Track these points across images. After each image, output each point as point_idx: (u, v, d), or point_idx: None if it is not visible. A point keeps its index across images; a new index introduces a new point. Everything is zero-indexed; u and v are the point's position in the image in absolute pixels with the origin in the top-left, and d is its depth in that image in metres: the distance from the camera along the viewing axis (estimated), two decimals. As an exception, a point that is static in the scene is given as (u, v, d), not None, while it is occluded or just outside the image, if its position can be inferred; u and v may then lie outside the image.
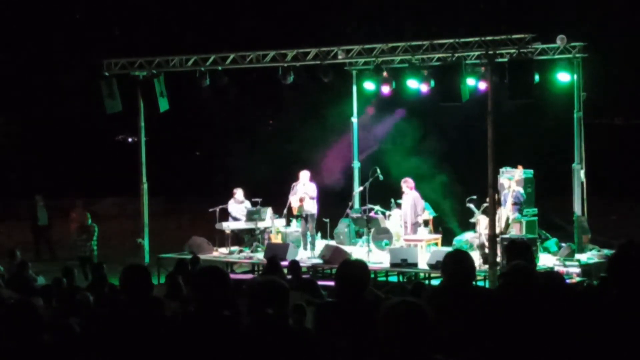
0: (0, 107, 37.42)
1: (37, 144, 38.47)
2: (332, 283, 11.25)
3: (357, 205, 20.98)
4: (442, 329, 4.71)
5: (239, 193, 20.58)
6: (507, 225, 17.53)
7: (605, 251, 17.72)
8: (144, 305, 6.00)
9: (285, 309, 5.22)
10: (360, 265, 6.16)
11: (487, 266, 16.12)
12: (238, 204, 20.46)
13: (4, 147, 38.18)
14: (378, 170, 19.34)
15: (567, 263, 16.82)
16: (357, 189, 21.13)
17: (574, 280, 15.60)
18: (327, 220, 20.52)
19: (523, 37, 16.37)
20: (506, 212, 17.64)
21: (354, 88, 21.67)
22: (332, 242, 19.84)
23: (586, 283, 15.71)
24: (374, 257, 18.01)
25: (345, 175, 22.58)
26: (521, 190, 18.24)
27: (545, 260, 17.28)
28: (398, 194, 19.32)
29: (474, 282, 6.53)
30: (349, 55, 18.57)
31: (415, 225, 18.86)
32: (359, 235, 20.19)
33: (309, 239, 19.37)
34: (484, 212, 17.47)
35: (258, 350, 5.09)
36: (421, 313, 4.32)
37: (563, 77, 17.87)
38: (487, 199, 16.85)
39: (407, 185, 18.99)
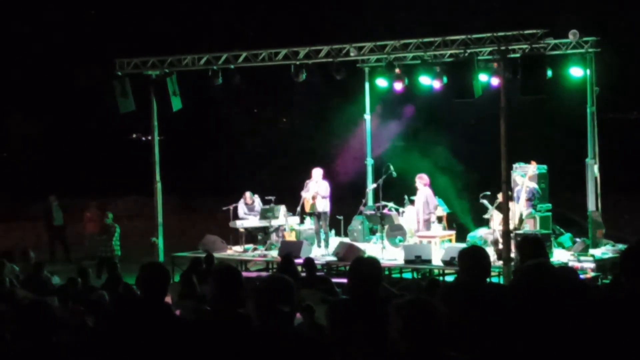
0: (14, 107, 37.56)
1: (50, 144, 38.56)
2: (346, 280, 11.27)
3: (370, 202, 20.96)
4: (457, 326, 4.71)
5: (248, 196, 20.57)
6: (521, 221, 17.50)
7: (620, 246, 17.65)
8: (158, 304, 6.00)
9: (292, 305, 5.20)
10: (372, 262, 6.17)
11: (501, 262, 16.10)
12: (248, 206, 20.47)
13: (18, 147, 38.31)
14: (391, 167, 19.32)
15: (582, 258, 16.77)
16: (371, 186, 21.11)
17: (588, 276, 15.56)
18: (341, 217, 20.52)
19: (535, 32, 16.31)
20: (520, 207, 17.60)
21: (367, 85, 21.64)
22: (346, 240, 19.81)
23: (600, 279, 15.70)
24: (388, 254, 18.01)
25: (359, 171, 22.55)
26: (536, 186, 18.19)
27: (560, 256, 17.22)
28: (412, 190, 19.30)
29: (488, 279, 6.53)
30: (361, 53, 18.54)
31: (427, 222, 18.83)
32: (372, 232, 20.16)
33: (323, 237, 19.38)
34: (498, 208, 17.45)
35: (267, 348, 5.10)
36: (430, 311, 4.32)
37: (576, 72, 17.82)
38: (501, 195, 16.83)
39: (422, 181, 18.92)
